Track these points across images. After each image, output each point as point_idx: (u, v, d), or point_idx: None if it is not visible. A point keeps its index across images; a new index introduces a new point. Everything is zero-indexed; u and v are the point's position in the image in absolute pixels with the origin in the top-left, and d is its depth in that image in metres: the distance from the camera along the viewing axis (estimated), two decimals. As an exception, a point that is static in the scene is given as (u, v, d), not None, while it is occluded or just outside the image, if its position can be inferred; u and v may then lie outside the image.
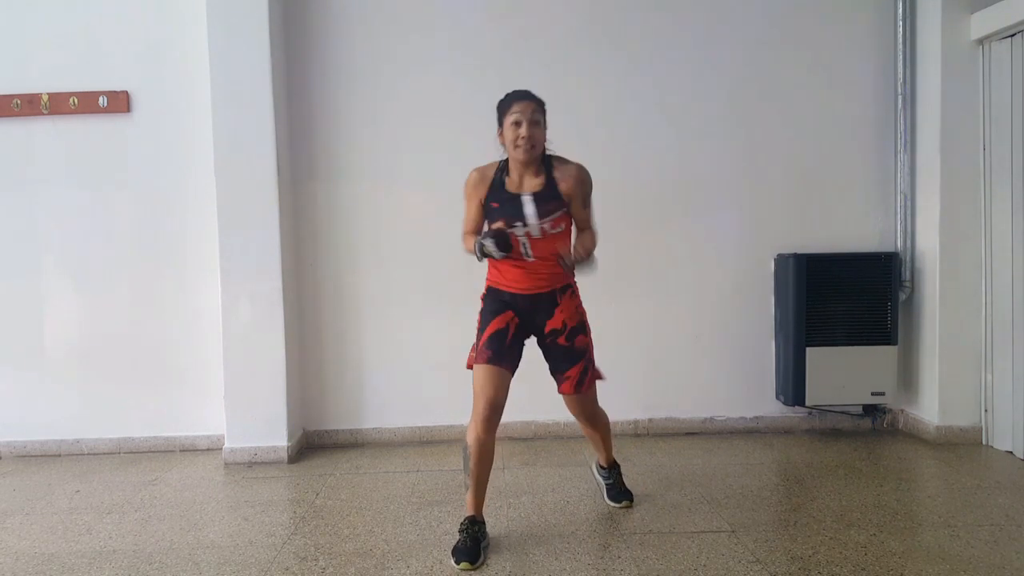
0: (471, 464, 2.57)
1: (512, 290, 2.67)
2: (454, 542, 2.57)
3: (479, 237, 2.53)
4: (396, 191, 3.95)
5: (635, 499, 3.03)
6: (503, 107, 2.61)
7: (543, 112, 2.60)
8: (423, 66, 3.92)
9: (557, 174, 2.62)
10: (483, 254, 2.51)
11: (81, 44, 3.86)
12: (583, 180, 2.65)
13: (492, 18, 3.92)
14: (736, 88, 3.96)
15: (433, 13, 3.91)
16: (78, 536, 2.85)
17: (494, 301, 2.70)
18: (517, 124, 2.53)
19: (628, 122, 3.95)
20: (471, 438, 2.56)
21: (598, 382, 2.83)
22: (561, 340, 2.69)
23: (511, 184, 2.63)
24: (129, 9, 3.85)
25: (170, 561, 2.60)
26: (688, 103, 3.96)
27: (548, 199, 2.59)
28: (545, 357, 2.77)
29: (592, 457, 3.26)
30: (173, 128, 3.89)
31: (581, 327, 2.74)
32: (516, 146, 2.55)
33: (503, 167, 2.66)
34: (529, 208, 2.58)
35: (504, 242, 2.47)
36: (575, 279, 2.77)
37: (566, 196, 2.62)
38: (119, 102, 3.86)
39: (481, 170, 2.69)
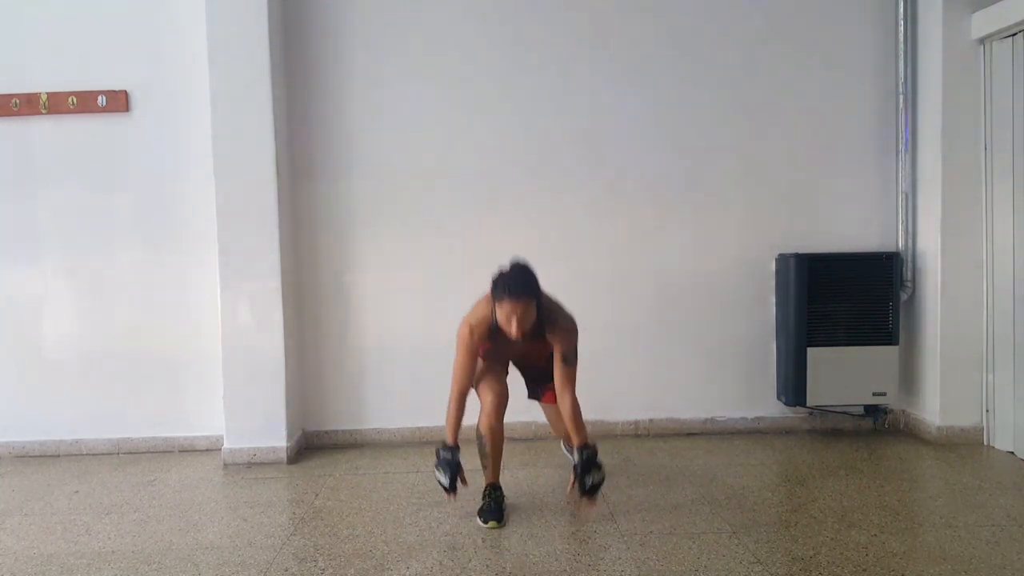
0: (488, 448, 2.87)
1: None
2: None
3: (442, 453, 2.81)
4: (396, 190, 3.94)
5: (635, 499, 3.03)
6: (497, 295, 2.68)
7: (534, 302, 2.70)
8: (423, 66, 3.91)
9: (548, 333, 2.78)
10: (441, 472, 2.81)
11: (80, 43, 3.86)
12: (570, 336, 2.81)
13: (492, 18, 3.91)
14: (736, 88, 3.95)
15: (433, 14, 3.90)
16: (77, 536, 2.85)
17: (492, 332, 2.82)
18: (508, 318, 2.66)
19: (628, 122, 3.95)
20: (484, 428, 2.85)
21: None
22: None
23: (504, 331, 2.75)
24: (128, 9, 3.85)
25: (169, 562, 2.59)
26: (688, 103, 3.95)
27: (536, 339, 2.78)
28: (524, 371, 3.09)
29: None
30: (172, 127, 3.88)
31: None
32: (508, 331, 2.69)
33: (494, 316, 2.74)
34: (520, 344, 2.78)
35: (453, 480, 2.79)
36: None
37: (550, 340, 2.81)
38: (118, 101, 3.86)
39: (475, 325, 2.79)
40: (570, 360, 2.81)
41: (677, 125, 3.96)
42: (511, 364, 3.10)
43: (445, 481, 2.81)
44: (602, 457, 2.84)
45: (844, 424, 4.03)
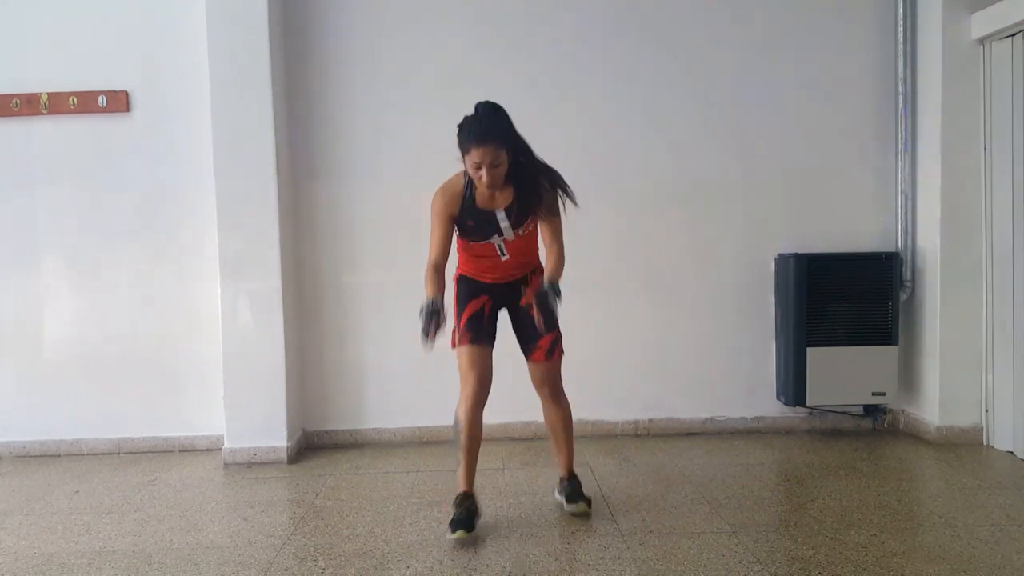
0: (462, 438, 2.71)
1: (487, 280, 2.81)
2: (454, 539, 2.62)
3: (424, 304, 2.54)
4: (396, 190, 3.93)
5: (635, 499, 3.03)
6: (462, 145, 2.55)
7: (504, 148, 2.54)
8: (423, 65, 3.91)
9: (528, 190, 2.65)
10: (425, 322, 2.52)
11: (80, 44, 3.86)
12: (552, 179, 2.68)
13: (491, 20, 3.91)
14: (736, 87, 3.95)
15: (433, 14, 3.91)
16: (77, 536, 2.85)
17: (468, 286, 2.82)
18: (477, 167, 2.52)
19: (627, 122, 3.95)
20: (462, 414, 2.71)
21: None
22: (533, 311, 2.66)
23: (481, 200, 2.68)
24: (129, 8, 3.85)
25: (169, 561, 2.60)
26: (688, 103, 3.95)
27: (520, 210, 2.67)
28: (516, 329, 2.86)
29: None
30: (173, 127, 3.88)
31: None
32: (480, 184, 2.57)
33: (469, 183, 2.66)
34: (504, 223, 2.69)
35: (431, 327, 2.51)
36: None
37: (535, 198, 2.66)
38: (118, 101, 3.86)
39: (448, 190, 2.69)
40: (554, 211, 2.68)
41: (676, 125, 3.96)
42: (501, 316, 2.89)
43: (423, 324, 2.52)
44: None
45: (844, 424, 4.03)
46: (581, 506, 2.87)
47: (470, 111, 2.61)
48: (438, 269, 2.66)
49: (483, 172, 2.51)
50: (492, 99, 2.67)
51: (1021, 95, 3.48)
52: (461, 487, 2.76)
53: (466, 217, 2.69)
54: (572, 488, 2.91)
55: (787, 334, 3.86)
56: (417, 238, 3.92)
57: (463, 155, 2.56)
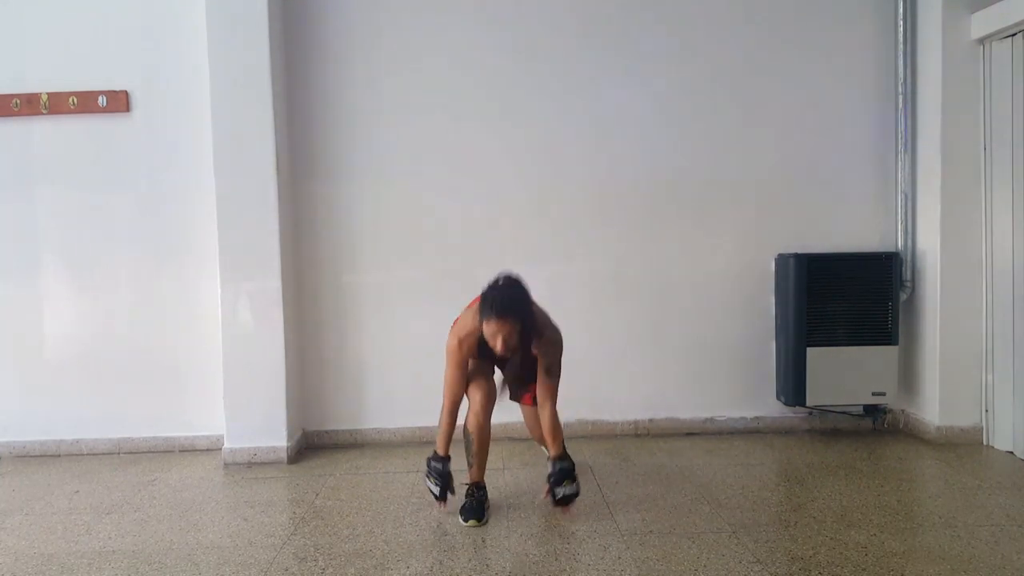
0: (474, 447, 2.90)
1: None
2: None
3: (433, 464, 2.90)
4: (396, 190, 3.94)
5: (635, 499, 3.03)
6: (484, 312, 2.68)
7: (521, 325, 2.68)
8: (424, 65, 3.91)
9: (534, 344, 2.78)
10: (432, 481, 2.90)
11: (80, 44, 3.86)
12: (555, 350, 2.83)
13: (491, 19, 3.91)
14: (736, 88, 3.96)
15: (434, 13, 3.90)
16: (77, 536, 2.85)
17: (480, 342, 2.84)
18: (494, 336, 2.67)
19: (627, 122, 3.95)
20: (473, 426, 2.87)
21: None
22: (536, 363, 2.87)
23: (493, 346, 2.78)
24: (129, 8, 3.85)
25: (169, 561, 2.60)
26: (688, 103, 3.95)
27: (525, 360, 2.82)
28: (504, 373, 3.03)
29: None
30: (173, 127, 3.88)
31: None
32: (494, 345, 2.70)
33: (482, 332, 2.74)
34: (513, 365, 2.90)
35: (444, 491, 2.89)
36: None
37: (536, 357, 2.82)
38: (118, 102, 3.86)
39: (464, 334, 2.81)
40: (553, 373, 2.82)
41: (676, 125, 3.96)
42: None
43: (436, 490, 2.91)
44: (579, 467, 2.94)
45: (843, 424, 4.03)
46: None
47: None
48: (455, 407, 2.90)
49: (498, 342, 2.67)
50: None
51: (1021, 95, 3.48)
52: (472, 477, 2.97)
53: (478, 354, 2.87)
54: (561, 469, 2.93)
55: (787, 334, 3.86)
56: (417, 238, 3.96)
57: (483, 319, 2.68)
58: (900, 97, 3.88)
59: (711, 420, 4.04)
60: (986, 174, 3.67)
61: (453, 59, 3.91)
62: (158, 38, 3.86)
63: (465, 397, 2.92)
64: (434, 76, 3.91)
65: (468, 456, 2.95)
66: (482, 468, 2.97)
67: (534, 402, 2.95)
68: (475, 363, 2.94)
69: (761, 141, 3.98)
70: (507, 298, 2.67)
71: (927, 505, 3.00)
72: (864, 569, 2.40)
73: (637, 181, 3.96)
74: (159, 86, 3.88)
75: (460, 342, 2.81)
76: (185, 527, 2.91)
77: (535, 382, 2.87)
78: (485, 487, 2.98)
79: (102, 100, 3.85)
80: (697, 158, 3.97)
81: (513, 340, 2.68)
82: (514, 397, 3.14)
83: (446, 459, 2.91)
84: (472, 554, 2.58)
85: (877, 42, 3.93)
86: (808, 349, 3.79)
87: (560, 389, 2.88)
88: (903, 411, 4.02)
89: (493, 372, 3.02)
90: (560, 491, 2.84)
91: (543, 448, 3.37)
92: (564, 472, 2.83)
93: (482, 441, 2.90)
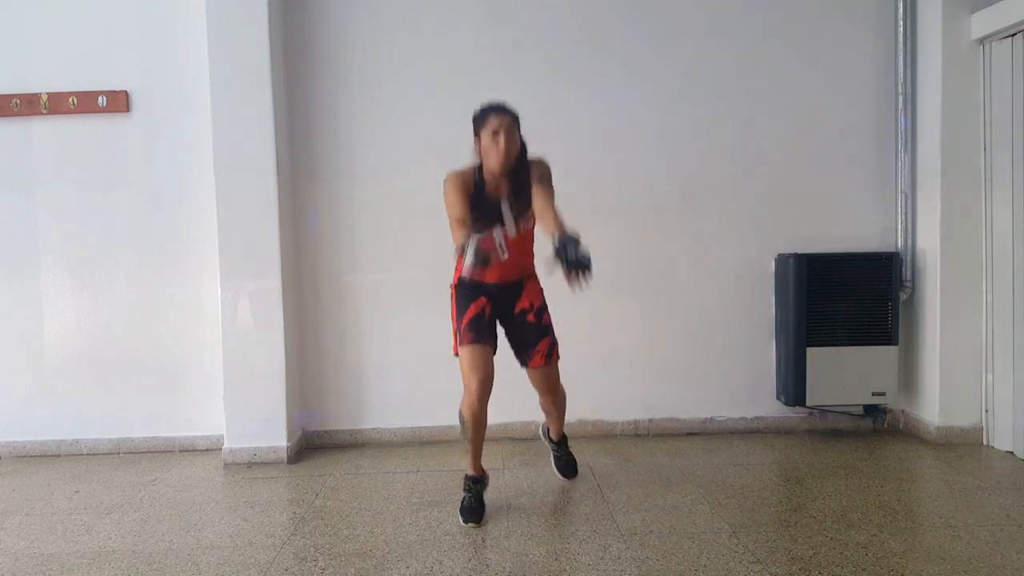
0: (469, 433, 2.87)
1: (486, 281, 2.89)
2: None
3: (469, 240, 2.52)
4: (396, 190, 3.94)
5: (635, 499, 3.03)
6: (480, 119, 2.76)
7: (518, 125, 2.78)
8: (424, 65, 3.91)
9: (527, 171, 2.79)
10: (473, 257, 2.51)
11: (80, 44, 3.86)
12: (545, 167, 2.81)
13: (492, 19, 3.91)
14: (735, 88, 3.96)
15: (434, 13, 3.90)
16: (77, 536, 2.85)
17: (467, 290, 2.91)
18: (496, 134, 2.67)
19: (627, 123, 3.95)
20: (467, 412, 2.83)
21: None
22: (530, 317, 2.94)
23: (489, 189, 2.82)
24: (128, 9, 3.85)
25: (169, 561, 2.60)
26: (688, 103, 3.95)
27: (520, 195, 2.78)
28: (511, 339, 2.99)
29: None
30: (173, 128, 3.88)
31: (545, 306, 3.00)
32: (495, 156, 2.71)
33: (477, 170, 2.81)
34: (507, 213, 2.79)
35: (485, 258, 2.55)
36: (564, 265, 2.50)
37: (531, 184, 2.75)
38: (118, 102, 3.86)
39: (458, 175, 2.81)
40: (547, 184, 2.73)
41: (675, 125, 3.96)
42: (497, 326, 2.98)
43: (473, 257, 2.47)
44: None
45: (843, 424, 4.03)
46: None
47: (471, 112, 2.79)
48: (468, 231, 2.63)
49: (501, 138, 2.65)
50: (494, 98, 2.73)
51: (1021, 95, 3.48)
52: (469, 471, 2.95)
53: (474, 202, 2.78)
54: (562, 454, 3.30)
55: (787, 334, 3.86)
56: (417, 238, 3.96)
57: (479, 131, 2.73)
58: (900, 97, 3.88)
59: (711, 420, 4.04)
60: (986, 174, 3.67)
61: (453, 60, 3.91)
62: (158, 38, 3.86)
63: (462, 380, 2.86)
64: (434, 76, 3.91)
65: (464, 440, 2.91)
66: (478, 457, 2.95)
67: (544, 362, 2.93)
68: (472, 339, 2.81)
69: (761, 141, 3.97)
70: (500, 102, 2.76)
71: (927, 505, 3.00)
72: (864, 569, 2.40)
73: (637, 182, 3.96)
74: (159, 86, 3.88)
75: (455, 177, 2.78)
76: (185, 527, 2.91)
77: (540, 338, 2.91)
78: (482, 479, 2.96)
79: (102, 100, 3.85)
80: (696, 157, 3.97)
81: (514, 138, 2.69)
82: (523, 363, 3.00)
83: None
84: (472, 554, 2.58)
85: (877, 42, 3.93)
86: (808, 349, 3.79)
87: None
88: (903, 411, 4.02)
89: (493, 352, 2.88)
90: (571, 251, 2.40)
91: (543, 437, 3.44)
92: (572, 239, 2.43)
93: (478, 427, 2.86)
